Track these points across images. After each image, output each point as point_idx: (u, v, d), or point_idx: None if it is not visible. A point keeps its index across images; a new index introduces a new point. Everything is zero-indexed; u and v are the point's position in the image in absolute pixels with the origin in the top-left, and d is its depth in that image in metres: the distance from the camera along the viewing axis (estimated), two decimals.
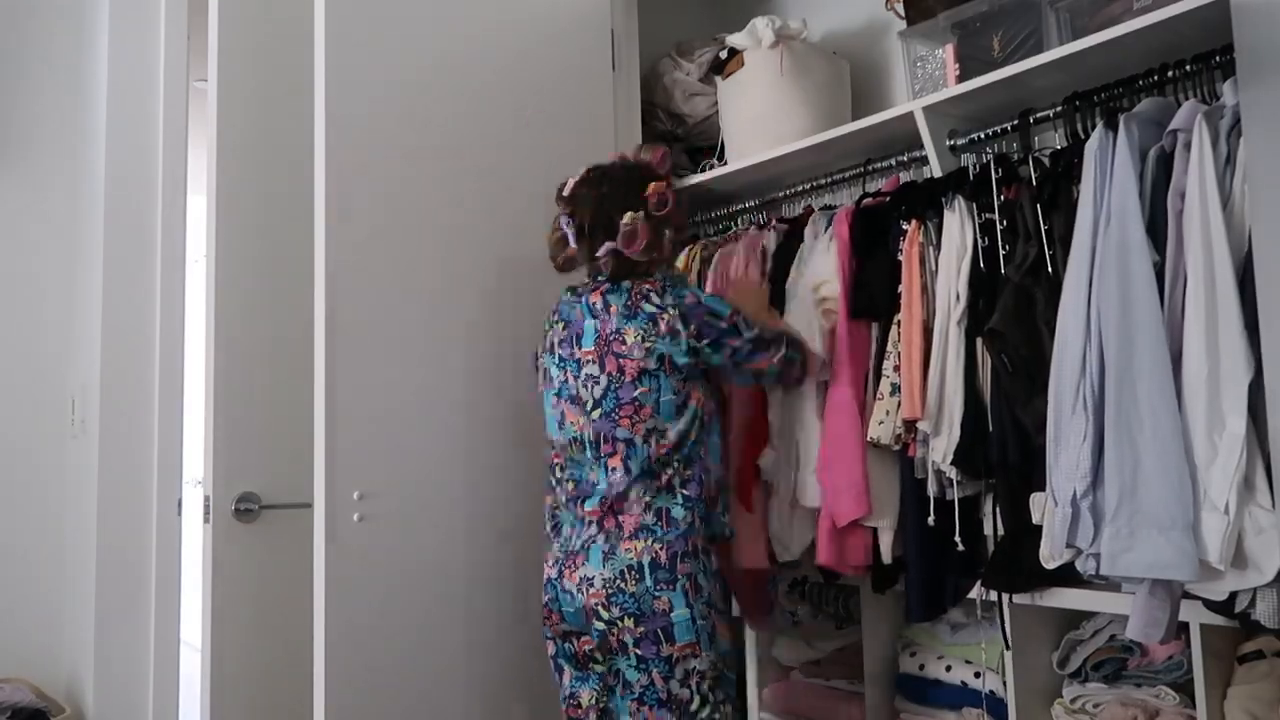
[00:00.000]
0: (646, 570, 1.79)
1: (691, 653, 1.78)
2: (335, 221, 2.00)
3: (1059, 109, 1.91)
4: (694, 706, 1.79)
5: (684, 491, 1.86)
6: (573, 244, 1.95)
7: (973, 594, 1.96)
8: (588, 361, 1.89)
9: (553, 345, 1.97)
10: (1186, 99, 1.73)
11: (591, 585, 1.81)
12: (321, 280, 1.98)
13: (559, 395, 1.94)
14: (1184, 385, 1.57)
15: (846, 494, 1.98)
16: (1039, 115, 1.95)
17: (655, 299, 1.86)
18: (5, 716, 2.66)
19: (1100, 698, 1.89)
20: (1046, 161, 1.91)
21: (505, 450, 2.20)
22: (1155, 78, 1.78)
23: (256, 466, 2.39)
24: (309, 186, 2.01)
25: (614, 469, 1.86)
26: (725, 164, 2.60)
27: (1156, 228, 1.64)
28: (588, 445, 1.89)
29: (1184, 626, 1.70)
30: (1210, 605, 1.58)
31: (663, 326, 1.84)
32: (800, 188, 2.47)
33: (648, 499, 1.84)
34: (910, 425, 1.93)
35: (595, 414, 1.87)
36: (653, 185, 1.92)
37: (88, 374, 2.94)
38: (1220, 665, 1.73)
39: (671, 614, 1.77)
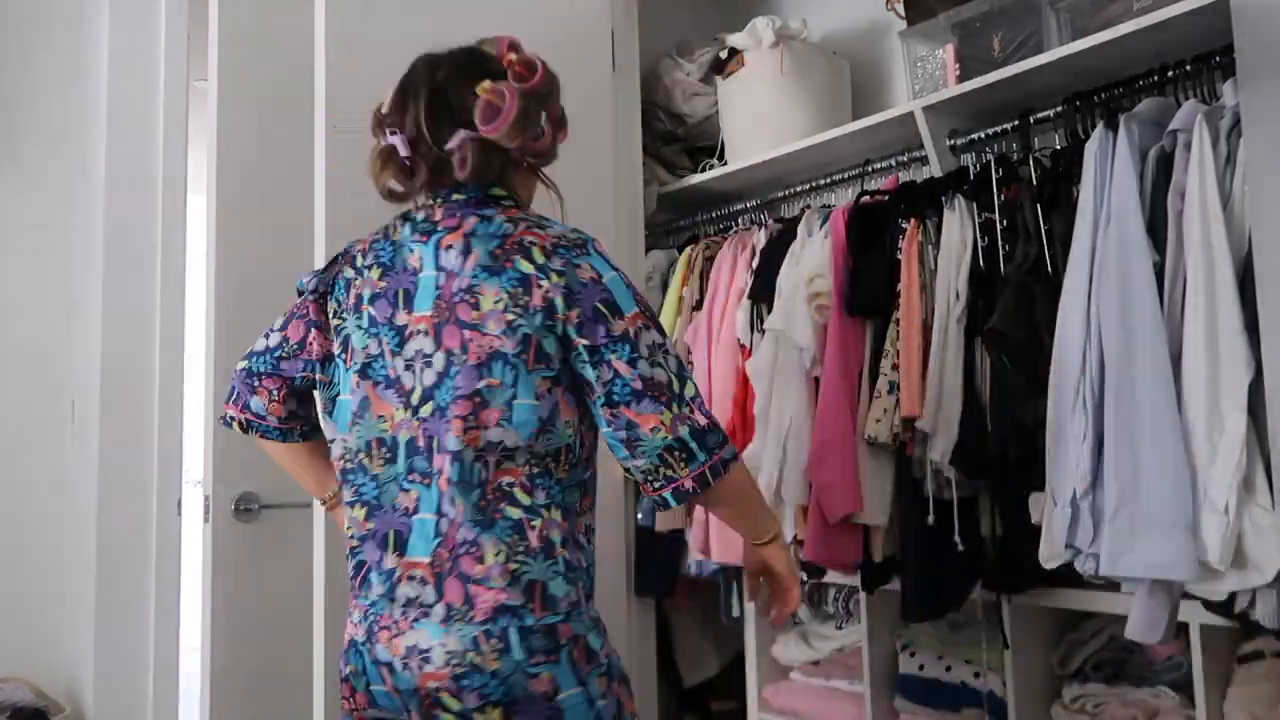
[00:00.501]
0: (514, 638, 1.22)
1: None
2: (335, 222, 2.00)
3: (1059, 109, 1.91)
4: None
5: (555, 556, 1.26)
6: (404, 152, 1.34)
7: (973, 594, 1.96)
8: (418, 332, 1.31)
9: (358, 301, 1.37)
10: (1186, 99, 1.73)
11: (428, 660, 1.23)
12: None
13: (363, 375, 1.34)
14: (1184, 385, 1.57)
15: (837, 490, 1.98)
16: (1039, 115, 1.95)
17: (537, 256, 1.28)
18: (5, 716, 2.66)
19: (1100, 698, 1.89)
20: (1046, 161, 1.91)
21: None
22: (1155, 78, 1.78)
23: (256, 466, 2.37)
24: (309, 186, 2.01)
25: (444, 494, 1.27)
26: (725, 164, 2.61)
27: (1156, 228, 1.64)
28: (401, 454, 1.30)
29: (1184, 626, 1.70)
30: (1210, 605, 1.58)
31: (536, 297, 1.26)
32: (800, 188, 2.48)
33: (508, 563, 1.24)
34: (908, 424, 1.93)
35: (425, 409, 1.28)
36: (513, 55, 1.40)
37: (88, 374, 2.93)
38: (1220, 665, 1.73)
39: (558, 696, 1.23)
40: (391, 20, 2.14)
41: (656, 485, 1.27)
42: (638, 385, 1.25)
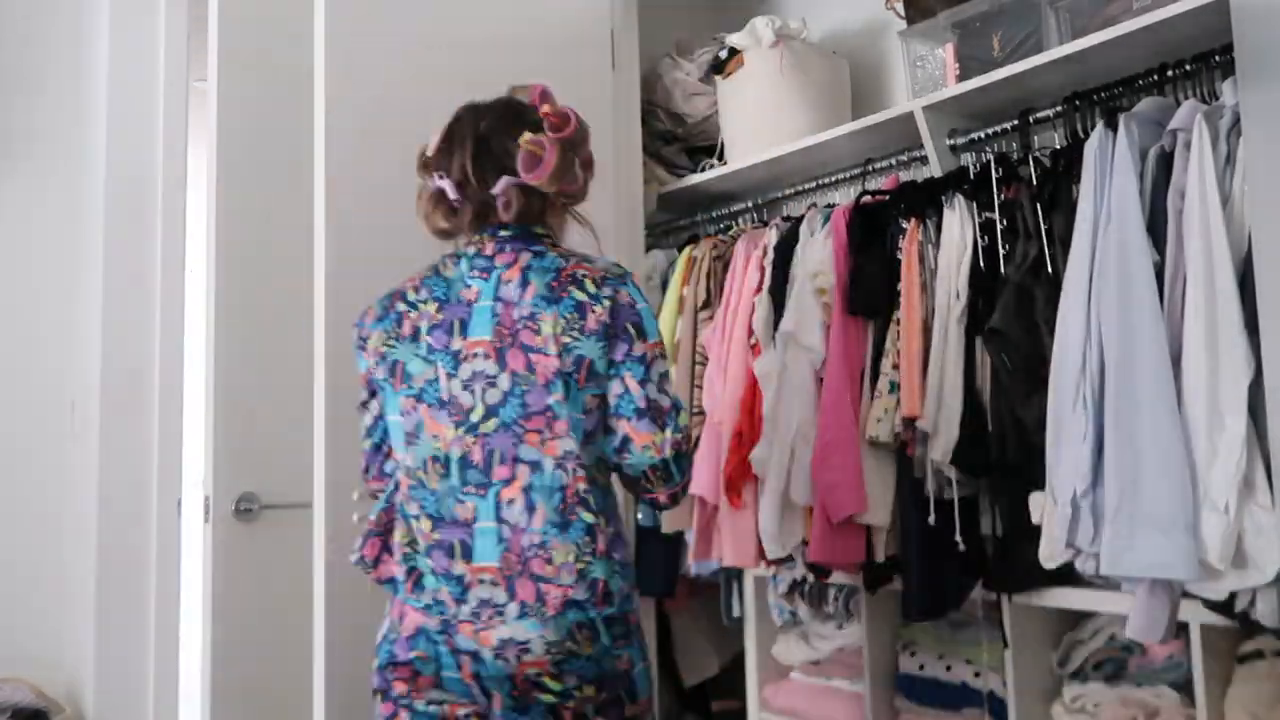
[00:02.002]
0: (601, 628, 1.42)
1: (648, 708, 1.50)
2: (335, 221, 2.00)
3: (1059, 109, 1.91)
4: None
5: (614, 556, 1.43)
6: (452, 195, 1.48)
7: (973, 594, 1.96)
8: (475, 355, 1.43)
9: (416, 333, 1.47)
10: (1186, 99, 1.73)
11: (528, 650, 1.38)
12: (321, 280, 1.98)
13: (419, 399, 1.45)
14: (1184, 385, 1.57)
15: (842, 490, 1.98)
16: (1039, 115, 1.95)
17: (590, 287, 1.43)
18: (5, 716, 2.66)
19: (1100, 697, 1.89)
20: (1046, 161, 1.91)
21: None
22: (1155, 77, 1.78)
23: (256, 466, 2.39)
24: (309, 186, 2.01)
25: (511, 502, 1.40)
26: (725, 164, 2.60)
27: (1156, 227, 1.64)
28: (456, 468, 1.42)
29: (1184, 626, 1.70)
30: (1210, 605, 1.58)
31: (591, 322, 1.42)
32: (800, 187, 2.48)
33: (576, 563, 1.40)
34: (909, 424, 1.93)
35: (488, 425, 1.41)
36: (547, 106, 1.50)
37: (87, 376, 2.93)
38: (1220, 665, 1.73)
39: (632, 671, 1.45)
40: (391, 20, 2.14)
41: (635, 493, 1.52)
42: (642, 404, 1.43)
